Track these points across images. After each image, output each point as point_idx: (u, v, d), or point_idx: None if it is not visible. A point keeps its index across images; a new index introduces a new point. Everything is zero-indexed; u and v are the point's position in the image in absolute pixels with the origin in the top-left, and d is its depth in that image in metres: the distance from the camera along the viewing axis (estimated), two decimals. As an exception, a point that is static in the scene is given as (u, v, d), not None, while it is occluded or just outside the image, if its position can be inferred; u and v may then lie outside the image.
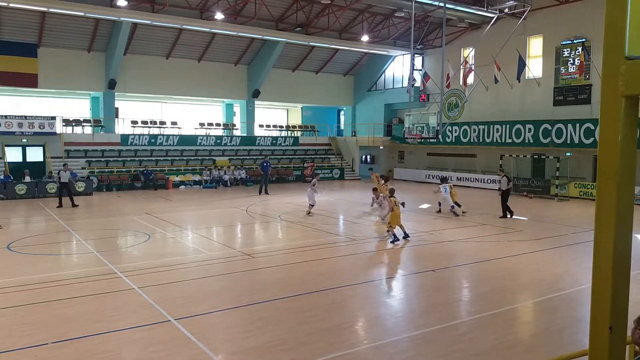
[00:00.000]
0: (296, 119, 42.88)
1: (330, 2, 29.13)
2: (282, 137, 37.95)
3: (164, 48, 32.42)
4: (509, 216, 18.25)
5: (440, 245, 13.80)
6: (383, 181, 19.91)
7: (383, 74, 39.39)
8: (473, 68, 30.12)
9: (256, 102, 37.20)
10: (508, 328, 7.81)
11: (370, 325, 8.01)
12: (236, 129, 37.17)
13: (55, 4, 24.54)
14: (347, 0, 28.92)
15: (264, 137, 36.84)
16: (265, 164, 27.12)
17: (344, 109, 43.11)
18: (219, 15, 27.15)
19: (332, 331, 7.43)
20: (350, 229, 16.46)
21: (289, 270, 11.12)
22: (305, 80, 38.91)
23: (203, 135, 34.13)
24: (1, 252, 12.49)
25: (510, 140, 28.51)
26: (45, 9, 25.05)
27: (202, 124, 35.10)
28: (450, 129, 31.80)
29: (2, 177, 24.51)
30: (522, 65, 27.75)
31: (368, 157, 41.03)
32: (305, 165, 34.70)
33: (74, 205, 20.58)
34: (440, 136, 27.70)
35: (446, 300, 9.08)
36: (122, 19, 27.19)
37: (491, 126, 29.75)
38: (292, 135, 38.92)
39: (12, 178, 24.64)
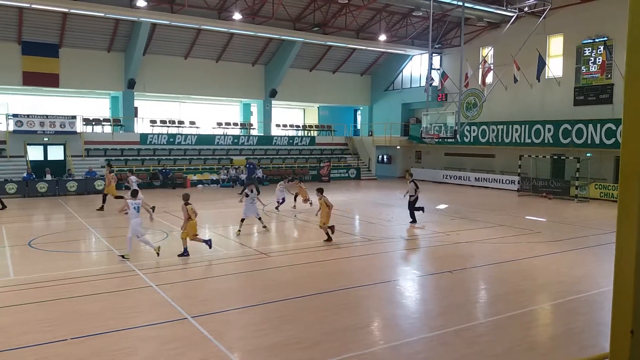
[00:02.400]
0: (313, 119, 42.91)
1: (347, 1, 29.06)
2: (298, 136, 38.02)
3: (182, 48, 32.71)
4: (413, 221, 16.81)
5: (456, 246, 13.67)
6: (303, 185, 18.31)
7: (400, 74, 39.20)
8: (492, 67, 29.77)
9: (273, 102, 37.32)
10: (526, 330, 7.70)
11: (386, 326, 7.97)
12: (253, 129, 37.35)
13: (76, 5, 24.93)
14: (365, -1, 28.84)
15: (281, 136, 36.94)
16: (250, 166, 26.96)
17: (361, 108, 43.00)
18: (237, 16, 27.30)
19: (348, 331, 7.41)
20: (366, 229, 16.42)
21: (305, 269, 11.13)
22: (322, 79, 38.91)
23: (220, 135, 34.36)
24: (23, 248, 12.74)
25: (529, 141, 28.13)
26: (66, 10, 25.46)
27: (219, 124, 35.34)
28: (469, 129, 31.49)
29: (24, 175, 24.97)
30: (542, 64, 27.37)
31: (385, 157, 40.87)
32: (322, 164, 34.71)
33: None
34: (458, 136, 27.47)
35: (463, 301, 9.00)
36: (141, 19, 27.50)
37: (510, 126, 29.38)
38: (309, 134, 38.97)
39: (34, 176, 25.10)
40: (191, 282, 9.90)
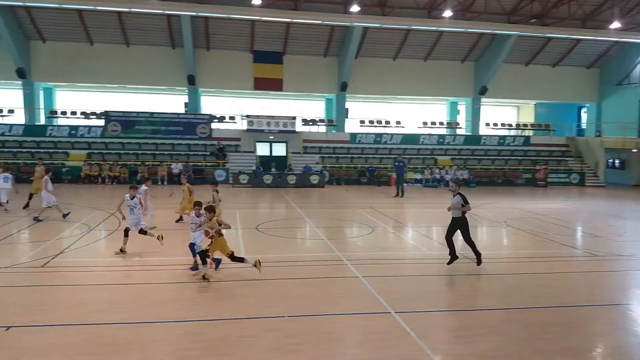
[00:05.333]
0: (528, 117, 39.70)
1: (574, -13, 26.10)
2: (510, 136, 35.65)
3: (391, 50, 33.46)
4: None
5: None
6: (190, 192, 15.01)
7: (637, 66, 33.67)
8: None
9: (482, 100, 35.67)
10: None
11: (611, 354, 6.90)
12: (460, 128, 36.28)
13: (298, 14, 27.55)
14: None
15: (490, 136, 35.14)
16: (398, 164, 25.08)
17: (587, 105, 38.30)
18: (447, 13, 26.76)
19: (564, 353, 6.62)
20: (590, 243, 14.50)
21: (515, 280, 10.33)
22: (540, 74, 35.75)
23: (425, 134, 34.22)
24: (251, 231, 14.54)
25: None
26: (290, 20, 28.31)
27: (425, 123, 35.22)
28: None
29: (254, 168, 28.63)
30: None
31: (616, 161, 35.57)
32: (537, 167, 31.91)
33: None
34: None
35: None
36: (354, 24, 28.97)
37: None
38: (523, 134, 36.19)
39: (261, 169, 28.62)
40: (395, 278, 10.03)
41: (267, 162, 30.34)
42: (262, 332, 7.12)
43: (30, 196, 17.31)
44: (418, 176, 30.87)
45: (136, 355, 6.29)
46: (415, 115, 36.60)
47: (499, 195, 25.69)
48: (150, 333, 7.00)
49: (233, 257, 9.60)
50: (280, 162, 30.94)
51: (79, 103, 33.44)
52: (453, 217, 10.79)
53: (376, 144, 33.44)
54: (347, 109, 34.89)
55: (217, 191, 13.13)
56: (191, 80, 31.81)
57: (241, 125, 32.35)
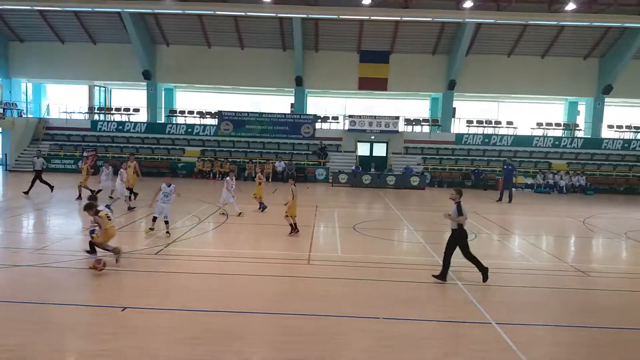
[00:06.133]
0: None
1: None
2: (637, 140, 32.26)
3: (506, 46, 31.82)
4: None
5: None
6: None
7: None
8: None
9: (606, 99, 32.65)
10: None
11: None
12: (579, 130, 33.54)
13: (408, 12, 27.14)
14: None
15: (613, 139, 32.09)
16: (508, 167, 23.13)
17: None
18: (571, 6, 24.82)
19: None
20: None
21: (633, 298, 9.33)
22: (681, 71, 31.89)
23: (539, 136, 32.11)
24: (348, 231, 14.62)
25: None
26: (399, 19, 27.97)
27: (539, 124, 33.06)
28: None
29: (353, 167, 28.76)
30: None
31: None
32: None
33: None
34: None
35: None
36: (466, 20, 27.93)
37: None
38: (653, 138, 32.62)
39: (360, 169, 28.67)
40: (497, 287, 9.52)
41: (366, 162, 30.34)
42: (356, 332, 7.13)
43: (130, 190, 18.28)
44: (529, 181, 29.03)
45: (236, 343, 6.62)
46: (529, 115, 34.44)
47: (620, 205, 23.39)
48: (248, 323, 7.32)
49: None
50: (380, 163, 30.77)
51: (195, 103, 35.88)
52: (451, 229, 9.65)
53: (484, 146, 31.99)
54: (454, 108, 33.78)
55: (294, 185, 13.70)
56: (298, 82, 32.71)
57: (343, 125, 32.66)
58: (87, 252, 9.92)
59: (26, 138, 31.71)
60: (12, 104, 33.09)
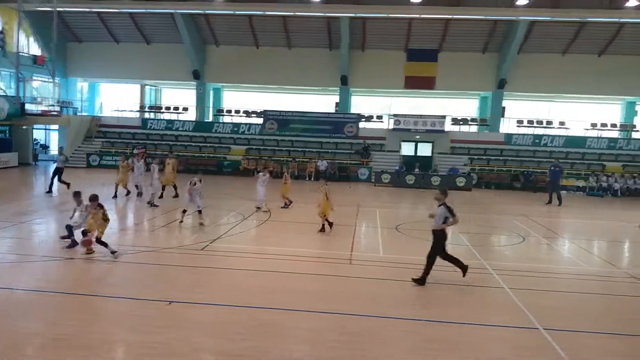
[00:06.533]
0: None
1: None
2: (702, 142, 30.43)
3: (561, 44, 30.73)
4: None
5: None
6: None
7: None
8: None
9: (669, 100, 31.00)
10: None
11: None
12: (636, 131, 31.97)
13: (459, 10, 26.64)
14: None
15: (675, 141, 30.38)
16: (554, 169, 22.04)
17: None
18: (633, 2, 23.68)
19: None
20: None
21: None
22: None
23: (593, 137, 30.81)
24: (390, 231, 14.51)
25: None
26: (449, 16, 27.45)
27: (593, 125, 31.71)
28: None
29: (397, 167, 28.46)
30: None
31: None
32: None
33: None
34: None
35: None
36: (520, 18, 27.14)
37: None
38: None
39: (404, 169, 28.33)
40: (545, 293, 9.22)
41: (410, 162, 29.90)
42: (400, 333, 7.09)
43: (163, 188, 18.20)
44: (581, 183, 27.89)
45: (278, 339, 6.71)
46: (582, 115, 33.09)
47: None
48: (291, 320, 7.39)
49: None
50: (425, 163, 30.26)
51: (242, 102, 36.48)
52: (432, 230, 9.33)
53: (534, 146, 30.96)
54: (503, 107, 32.85)
55: (327, 184, 13.92)
56: (344, 81, 32.68)
57: (387, 124, 32.35)
58: (104, 246, 10.14)
59: (80, 135, 33.11)
60: (69, 102, 34.69)
